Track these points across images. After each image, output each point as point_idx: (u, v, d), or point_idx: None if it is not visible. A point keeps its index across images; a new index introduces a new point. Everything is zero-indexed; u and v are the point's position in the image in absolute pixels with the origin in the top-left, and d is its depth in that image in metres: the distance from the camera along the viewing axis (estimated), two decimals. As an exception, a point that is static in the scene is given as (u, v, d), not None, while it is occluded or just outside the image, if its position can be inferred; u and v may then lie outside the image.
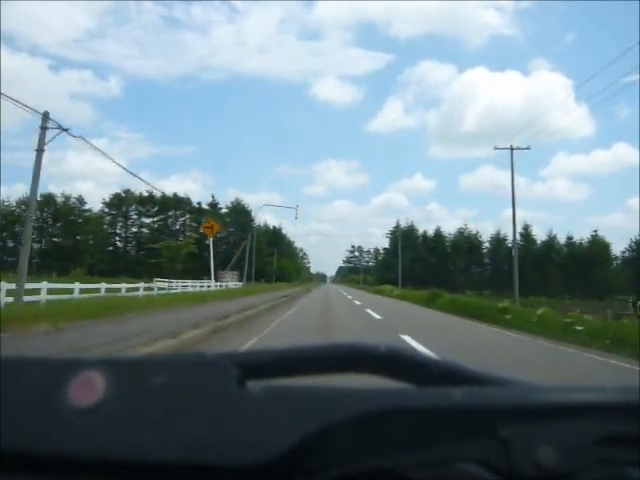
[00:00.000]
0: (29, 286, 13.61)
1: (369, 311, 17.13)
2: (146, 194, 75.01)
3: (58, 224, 77.08)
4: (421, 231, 79.62)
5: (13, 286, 12.58)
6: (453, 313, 17.98)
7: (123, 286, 21.37)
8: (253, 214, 77.18)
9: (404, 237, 72.12)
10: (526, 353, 8.55)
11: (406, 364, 0.44)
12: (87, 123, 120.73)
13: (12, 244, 72.21)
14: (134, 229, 79.11)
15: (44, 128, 13.13)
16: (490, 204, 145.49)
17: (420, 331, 10.49)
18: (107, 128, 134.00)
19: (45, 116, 13.30)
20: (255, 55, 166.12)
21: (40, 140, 13.30)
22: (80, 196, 78.47)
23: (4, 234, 73.27)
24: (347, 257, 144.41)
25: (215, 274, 58.99)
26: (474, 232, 78.15)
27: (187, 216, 77.49)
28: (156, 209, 77.79)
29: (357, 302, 24.25)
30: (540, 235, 76.65)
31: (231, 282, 53.83)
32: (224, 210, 77.86)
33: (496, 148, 27.67)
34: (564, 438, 0.37)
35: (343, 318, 14.63)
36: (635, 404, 0.39)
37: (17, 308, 10.95)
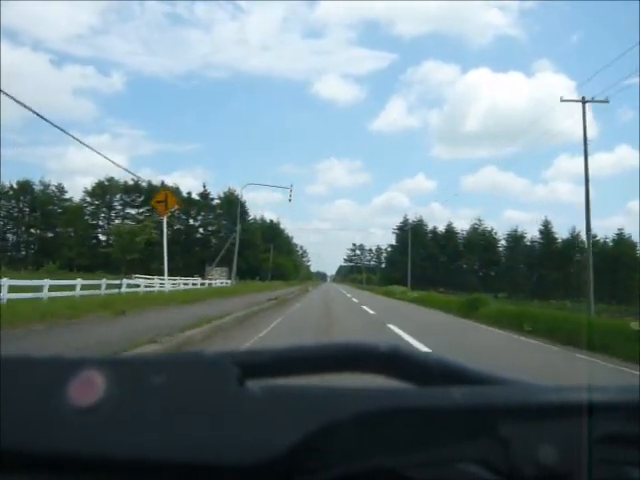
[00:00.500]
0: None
1: (398, 330, 10.84)
2: (131, 183, 68.64)
3: (35, 214, 70.82)
4: (430, 227, 73.26)
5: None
6: (518, 330, 11.86)
7: (78, 282, 17.06)
8: (238, 194, 71.26)
9: (412, 234, 65.87)
10: None
11: (406, 363, 0.44)
12: (89, 119, 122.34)
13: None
14: (118, 221, 72.69)
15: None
16: (491, 205, 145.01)
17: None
18: (109, 124, 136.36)
19: None
20: (258, 53, 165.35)
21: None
22: (60, 184, 72.58)
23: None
24: (348, 255, 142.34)
25: (203, 270, 52.71)
26: (489, 228, 71.55)
27: (175, 207, 71.27)
28: (142, 199, 71.35)
29: (369, 310, 18.07)
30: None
31: (219, 279, 47.61)
32: (216, 201, 71.56)
33: (563, 100, 21.20)
34: (564, 438, 0.37)
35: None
36: (635, 404, 0.39)
37: None
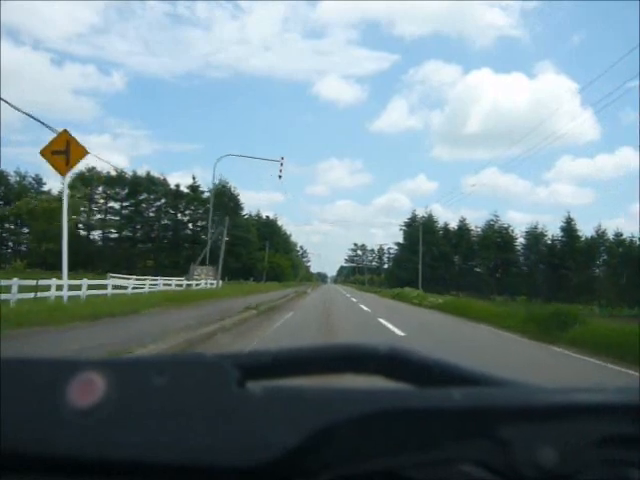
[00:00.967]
0: None
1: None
2: (114, 173, 62.68)
3: (9, 207, 64.86)
4: (441, 223, 67.29)
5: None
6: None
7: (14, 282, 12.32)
8: (230, 185, 65.60)
9: (421, 231, 59.97)
10: None
11: (406, 365, 0.45)
12: (90, 119, 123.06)
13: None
14: (99, 215, 66.64)
15: None
16: (493, 207, 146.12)
17: None
18: (110, 124, 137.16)
19: None
20: (259, 53, 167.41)
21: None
22: (37, 175, 66.32)
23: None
24: (349, 256, 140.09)
25: (189, 268, 46.74)
26: (505, 225, 65.61)
27: (162, 200, 65.12)
28: (126, 192, 65.35)
29: (393, 328, 11.83)
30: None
31: (206, 279, 41.58)
32: (206, 194, 65.52)
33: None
34: (564, 439, 0.37)
35: None
36: (635, 405, 0.39)
37: None
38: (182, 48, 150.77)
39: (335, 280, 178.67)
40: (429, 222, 62.94)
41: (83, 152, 12.18)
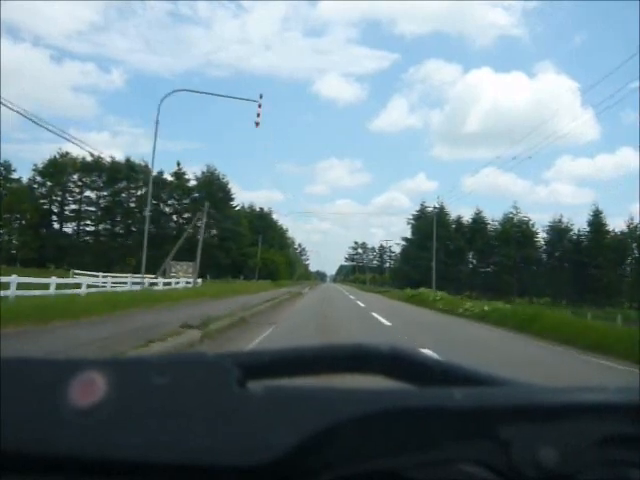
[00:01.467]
0: None
1: None
2: (90, 158, 56.27)
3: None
4: (454, 216, 60.89)
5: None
6: None
7: None
8: (218, 172, 59.18)
9: (430, 224, 53.67)
10: None
11: (407, 364, 0.45)
12: (90, 116, 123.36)
13: None
14: (74, 206, 60.21)
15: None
16: (492, 207, 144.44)
17: None
18: (109, 122, 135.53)
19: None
20: (259, 52, 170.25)
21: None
22: (6, 161, 59.88)
23: None
24: (349, 254, 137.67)
25: (165, 265, 40.20)
26: (525, 218, 59.24)
27: (144, 189, 58.54)
28: (104, 179, 58.89)
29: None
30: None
31: (186, 277, 35.34)
32: (192, 182, 59.32)
33: None
34: (565, 439, 0.37)
35: None
36: (636, 405, 0.40)
37: None
38: (182, 46, 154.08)
39: (334, 279, 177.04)
40: (441, 214, 56.59)
41: None
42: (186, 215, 61.45)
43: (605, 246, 55.12)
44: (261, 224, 67.97)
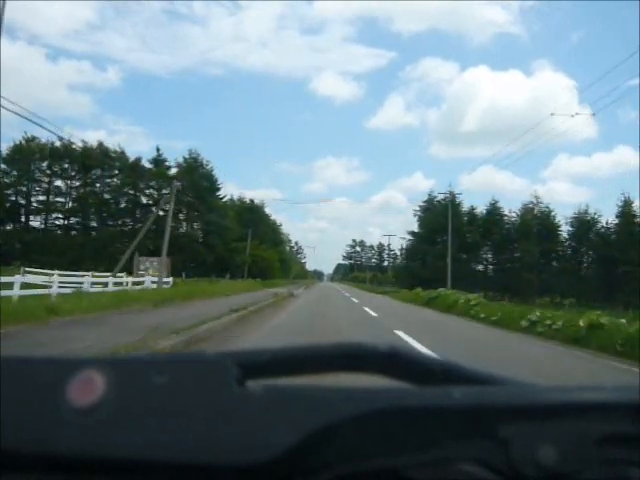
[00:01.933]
0: None
1: None
2: (59, 144, 50.06)
3: None
4: (467, 207, 54.91)
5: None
6: None
7: None
8: (202, 158, 53.11)
9: (440, 215, 47.55)
10: None
11: (406, 363, 0.45)
12: (87, 115, 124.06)
13: None
14: (42, 197, 53.89)
15: None
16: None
17: None
18: (107, 121, 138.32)
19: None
20: (256, 50, 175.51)
21: None
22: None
23: None
24: (347, 252, 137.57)
25: (131, 263, 34.02)
26: (546, 209, 53.36)
27: (120, 177, 52.34)
28: (75, 167, 52.59)
29: None
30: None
31: (158, 275, 29.44)
32: (174, 169, 53.18)
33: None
34: (564, 438, 0.38)
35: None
36: (635, 404, 0.40)
37: None
38: (179, 45, 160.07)
39: (332, 278, 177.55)
40: (453, 204, 50.49)
41: None
42: (166, 207, 55.38)
43: (636, 241, 49.06)
44: (251, 217, 61.87)
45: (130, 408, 0.38)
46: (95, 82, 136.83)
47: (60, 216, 55.77)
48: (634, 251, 48.04)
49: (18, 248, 49.39)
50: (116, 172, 54.16)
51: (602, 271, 49.21)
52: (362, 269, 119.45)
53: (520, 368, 6.65)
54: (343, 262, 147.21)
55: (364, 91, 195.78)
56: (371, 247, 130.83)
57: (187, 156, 55.88)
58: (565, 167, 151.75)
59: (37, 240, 52.04)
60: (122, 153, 55.02)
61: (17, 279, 13.03)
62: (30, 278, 15.49)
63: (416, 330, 10.99)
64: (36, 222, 56.09)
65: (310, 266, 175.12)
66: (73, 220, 55.45)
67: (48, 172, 55.29)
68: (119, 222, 54.81)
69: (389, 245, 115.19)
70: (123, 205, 55.19)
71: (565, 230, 54.47)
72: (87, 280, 18.37)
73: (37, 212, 55.60)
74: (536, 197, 56.16)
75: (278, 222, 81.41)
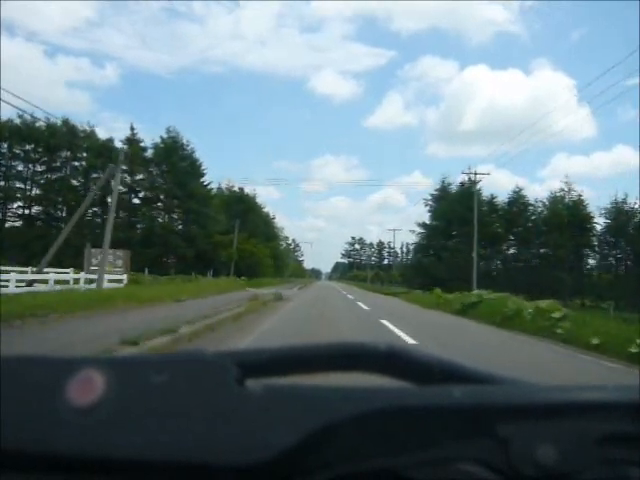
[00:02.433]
0: None
1: None
2: (19, 121, 43.33)
3: None
4: (486, 194, 48.07)
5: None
6: None
7: None
8: (182, 137, 46.34)
9: (457, 203, 40.77)
10: None
11: (406, 363, 0.45)
12: (85, 113, 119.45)
13: None
14: (2, 183, 47.06)
15: None
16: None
17: None
18: (105, 118, 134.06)
19: None
20: (254, 48, 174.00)
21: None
22: None
23: None
24: (346, 250, 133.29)
25: (82, 257, 27.35)
26: (579, 198, 46.71)
27: (88, 159, 45.54)
28: (39, 150, 45.73)
29: None
30: None
31: (116, 272, 23.20)
32: (150, 150, 46.63)
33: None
34: (564, 437, 0.38)
35: None
36: (635, 403, 0.40)
37: None
38: (178, 43, 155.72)
39: (330, 277, 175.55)
40: (470, 192, 43.70)
41: None
42: (142, 194, 48.63)
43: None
44: (240, 208, 55.08)
45: (129, 408, 0.38)
46: (94, 79, 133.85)
47: (22, 205, 49.10)
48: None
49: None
50: (84, 154, 47.50)
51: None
52: (362, 267, 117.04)
53: None
54: (341, 260, 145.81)
55: (363, 90, 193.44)
56: (371, 245, 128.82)
57: (165, 135, 49.15)
58: (564, 166, 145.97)
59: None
60: (92, 132, 48.37)
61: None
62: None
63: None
64: (-6, 211, 49.36)
65: (308, 264, 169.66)
66: (37, 209, 48.88)
67: (9, 155, 48.54)
68: (88, 211, 48.04)
69: (389, 243, 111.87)
70: (91, 192, 48.41)
71: (600, 222, 47.85)
72: (13, 278, 15.97)
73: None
74: (567, 183, 49.50)
75: (271, 215, 74.52)
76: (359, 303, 21.39)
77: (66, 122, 47.73)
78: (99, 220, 46.80)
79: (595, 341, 9.29)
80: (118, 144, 46.89)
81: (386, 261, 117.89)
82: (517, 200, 49.57)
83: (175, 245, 43.86)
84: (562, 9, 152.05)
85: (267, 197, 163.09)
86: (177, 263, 44.75)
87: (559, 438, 0.37)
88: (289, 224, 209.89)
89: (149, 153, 48.03)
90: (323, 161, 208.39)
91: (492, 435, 0.38)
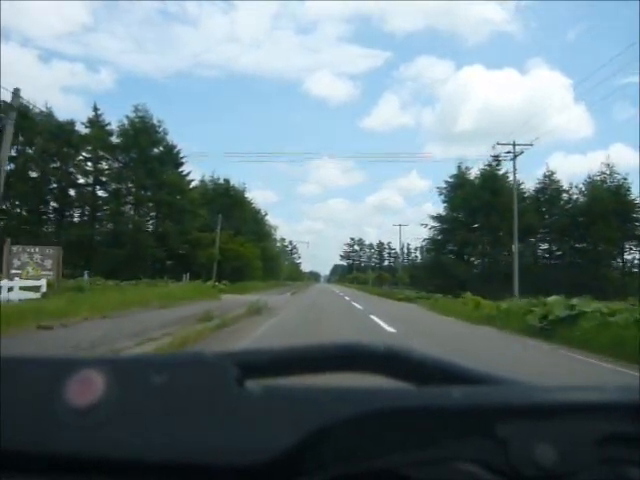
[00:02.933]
0: None
1: None
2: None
3: None
4: (510, 179, 40.88)
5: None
6: None
7: None
8: (152, 115, 39.32)
9: (481, 189, 33.98)
10: None
11: (405, 364, 0.46)
12: (81, 117, 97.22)
13: None
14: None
15: None
16: None
17: None
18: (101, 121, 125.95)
19: None
20: (249, 51, 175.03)
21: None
22: None
23: None
24: (345, 251, 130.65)
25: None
26: (624, 181, 40.08)
27: (40, 144, 38.53)
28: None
29: None
30: None
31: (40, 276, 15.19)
32: (116, 132, 39.87)
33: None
34: (564, 438, 0.38)
35: None
36: (635, 404, 0.40)
37: None
38: (173, 46, 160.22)
39: (329, 279, 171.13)
40: (491, 174, 36.75)
41: None
42: (113, 185, 41.67)
43: None
44: (225, 202, 48.07)
45: (129, 409, 0.38)
46: (89, 84, 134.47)
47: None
48: None
49: None
50: (37, 138, 40.55)
51: None
52: (361, 269, 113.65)
53: None
54: (340, 262, 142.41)
55: (359, 91, 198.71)
56: (370, 245, 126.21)
57: (132, 114, 41.69)
58: (562, 165, 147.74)
59: None
60: (49, 115, 41.35)
61: None
62: None
63: None
64: None
65: (306, 267, 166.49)
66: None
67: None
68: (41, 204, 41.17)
69: (389, 243, 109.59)
70: (52, 184, 41.48)
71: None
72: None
73: None
74: (608, 165, 42.66)
75: (263, 211, 67.04)
76: (373, 317, 14.61)
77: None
78: (52, 216, 39.96)
79: None
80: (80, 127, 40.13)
81: (386, 262, 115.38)
82: (549, 186, 42.78)
83: (144, 244, 36.99)
84: (558, 8, 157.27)
85: (263, 200, 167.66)
86: (151, 265, 37.96)
87: (558, 438, 0.38)
88: (286, 227, 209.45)
89: (117, 138, 41.17)
90: (320, 163, 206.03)
91: (491, 435, 0.38)
